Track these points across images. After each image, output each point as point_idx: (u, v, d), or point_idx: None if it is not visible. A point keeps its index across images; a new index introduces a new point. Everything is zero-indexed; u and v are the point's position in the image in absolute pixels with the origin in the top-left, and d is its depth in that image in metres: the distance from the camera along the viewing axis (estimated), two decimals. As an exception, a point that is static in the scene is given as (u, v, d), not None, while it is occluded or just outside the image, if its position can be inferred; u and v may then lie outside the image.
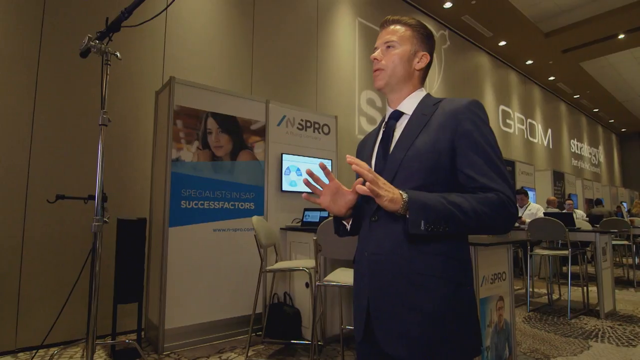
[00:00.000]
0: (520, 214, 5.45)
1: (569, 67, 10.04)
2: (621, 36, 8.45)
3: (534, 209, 5.36)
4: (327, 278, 2.33)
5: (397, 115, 1.06)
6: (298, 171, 3.72)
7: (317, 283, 2.34)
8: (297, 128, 3.79)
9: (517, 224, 5.06)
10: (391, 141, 1.03)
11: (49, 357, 2.66)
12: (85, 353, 2.74)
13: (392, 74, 1.05)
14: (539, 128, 10.98)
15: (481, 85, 8.60)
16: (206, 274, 3.07)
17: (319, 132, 3.97)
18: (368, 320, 0.97)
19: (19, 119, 2.91)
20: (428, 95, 1.08)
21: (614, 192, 12.46)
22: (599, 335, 3.26)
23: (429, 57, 1.08)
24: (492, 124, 8.84)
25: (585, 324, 3.63)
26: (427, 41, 1.09)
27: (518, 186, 7.16)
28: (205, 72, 4.02)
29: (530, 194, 7.53)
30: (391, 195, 0.85)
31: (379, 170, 1.02)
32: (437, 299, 0.90)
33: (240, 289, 3.20)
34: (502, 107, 9.26)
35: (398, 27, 1.07)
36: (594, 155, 14.88)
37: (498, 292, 2.22)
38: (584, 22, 7.81)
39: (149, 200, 3.34)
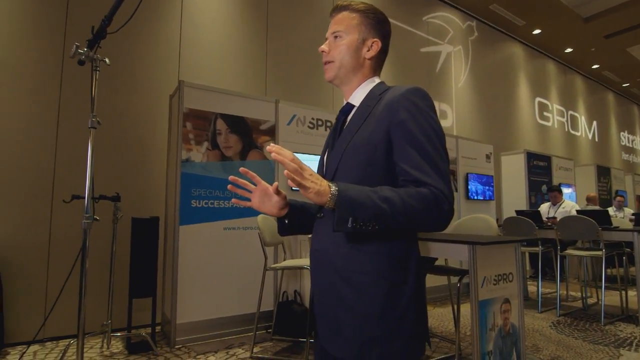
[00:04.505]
0: (553, 213, 5.12)
1: (614, 53, 9.29)
2: (673, 17, 7.71)
3: (568, 207, 5.01)
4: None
5: (348, 108, 1.03)
6: (310, 170, 3.72)
7: (313, 281, 2.32)
8: (308, 127, 3.79)
9: (549, 223, 4.73)
10: (339, 135, 1.02)
11: (64, 347, 2.83)
12: (103, 344, 2.91)
13: (341, 65, 1.01)
14: (582, 120, 10.27)
15: (514, 77, 8.17)
16: (217, 271, 3.14)
17: (332, 130, 3.94)
18: (313, 316, 0.98)
19: (45, 125, 3.16)
20: (379, 85, 1.04)
21: (672, 188, 11.39)
22: (634, 344, 3.00)
23: (380, 44, 1.02)
24: (527, 117, 8.38)
25: (621, 331, 3.35)
26: (378, 27, 1.03)
27: (555, 182, 6.73)
28: (218, 74, 4.12)
29: (569, 190, 7.06)
30: (317, 187, 0.80)
31: (327, 164, 1.02)
32: (370, 298, 0.87)
33: (250, 286, 3.25)
34: (538, 99, 8.75)
35: (346, 14, 1.03)
36: (649, 148, 13.69)
37: (502, 294, 2.09)
38: (626, 4, 7.20)
39: (164, 200, 3.48)
